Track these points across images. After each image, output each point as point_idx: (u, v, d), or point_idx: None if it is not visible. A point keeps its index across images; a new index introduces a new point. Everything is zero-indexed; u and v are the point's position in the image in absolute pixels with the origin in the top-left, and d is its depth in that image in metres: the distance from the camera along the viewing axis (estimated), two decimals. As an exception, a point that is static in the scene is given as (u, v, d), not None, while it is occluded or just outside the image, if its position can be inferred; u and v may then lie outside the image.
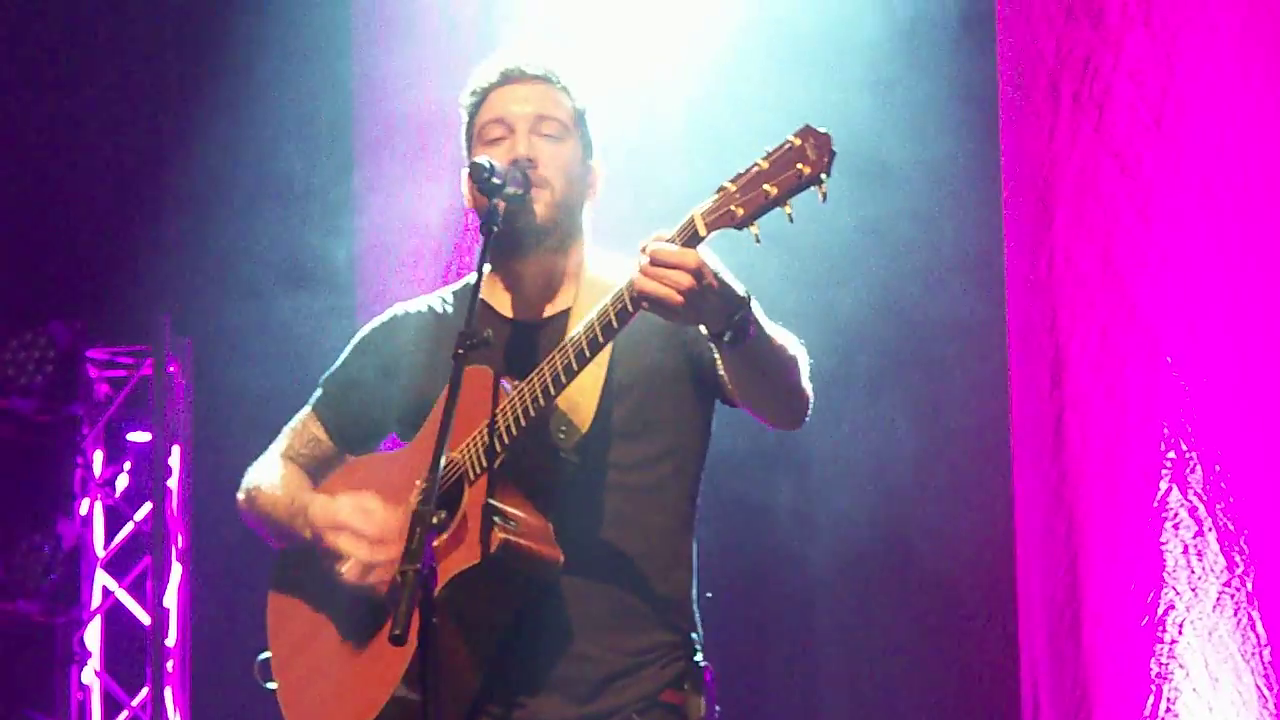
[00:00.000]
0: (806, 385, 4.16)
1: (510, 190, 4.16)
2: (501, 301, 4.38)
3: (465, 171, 4.37)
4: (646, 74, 7.01)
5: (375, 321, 4.53)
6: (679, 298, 3.80)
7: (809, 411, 4.21)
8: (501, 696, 4.14)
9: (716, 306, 3.86)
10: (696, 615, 4.31)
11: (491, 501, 3.99)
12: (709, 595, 4.39)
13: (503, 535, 3.96)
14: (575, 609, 4.15)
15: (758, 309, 3.95)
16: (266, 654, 4.43)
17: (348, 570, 4.16)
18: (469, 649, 4.04)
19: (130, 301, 7.92)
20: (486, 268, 4.11)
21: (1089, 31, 6.56)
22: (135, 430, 8.02)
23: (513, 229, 4.21)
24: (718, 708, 4.28)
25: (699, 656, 4.27)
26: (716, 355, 4.07)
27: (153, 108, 8.07)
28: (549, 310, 4.34)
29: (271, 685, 4.40)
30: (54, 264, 8.07)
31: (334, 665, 4.28)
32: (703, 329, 3.94)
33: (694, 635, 4.28)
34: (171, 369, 7.84)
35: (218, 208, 7.71)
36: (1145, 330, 6.43)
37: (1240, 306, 6.33)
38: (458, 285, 4.53)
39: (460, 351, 3.89)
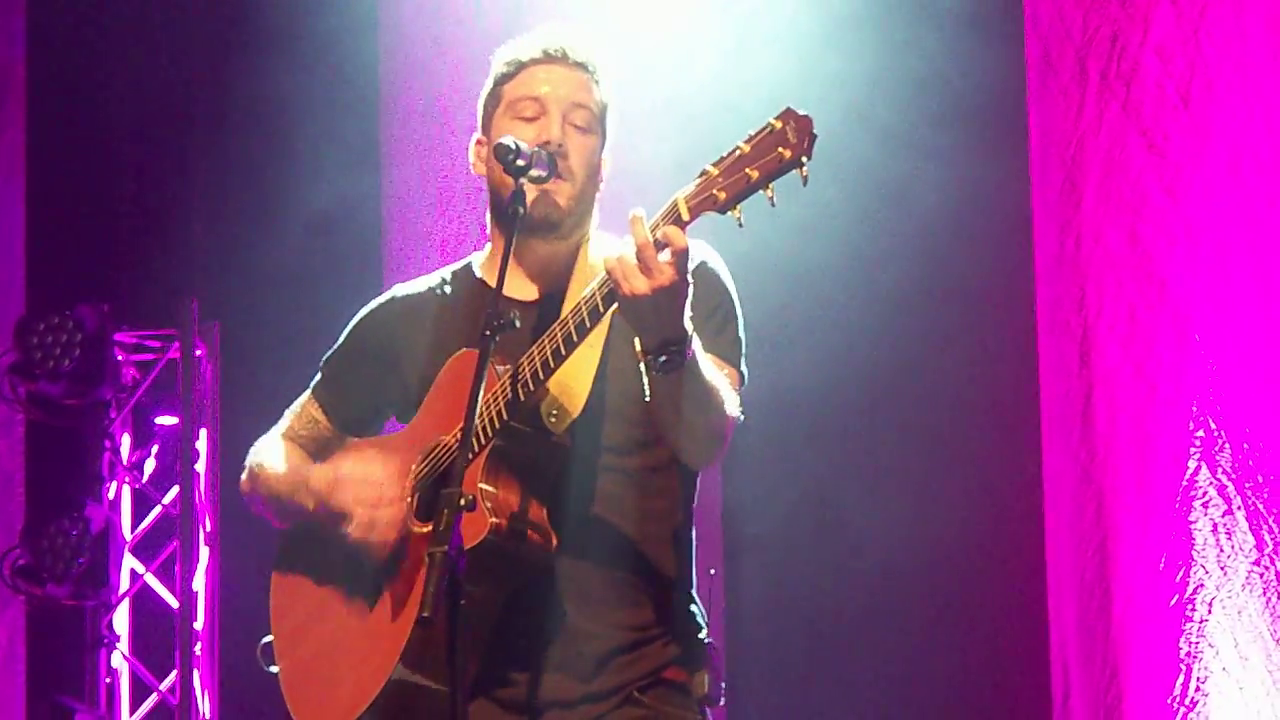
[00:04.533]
0: (725, 431, 4.08)
1: (535, 173, 4.11)
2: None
3: (477, 137, 4.33)
4: (653, 54, 7.01)
5: (373, 303, 4.48)
6: (653, 279, 3.75)
7: (719, 457, 4.17)
8: (503, 677, 4.12)
9: (669, 312, 3.80)
10: (696, 593, 4.28)
11: (483, 486, 3.96)
12: (711, 571, 4.36)
13: (493, 520, 3.92)
14: (574, 589, 4.11)
15: (697, 345, 3.89)
16: (269, 638, 4.41)
17: (353, 527, 4.13)
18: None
19: (157, 285, 7.91)
20: (491, 247, 4.09)
21: (1116, 9, 6.55)
22: (163, 414, 8.01)
23: (530, 215, 4.15)
24: (723, 684, 4.26)
25: (703, 633, 4.24)
26: (645, 382, 3.95)
27: (179, 92, 8.07)
28: (544, 291, 4.26)
29: (274, 669, 4.38)
30: (81, 247, 8.06)
31: (334, 648, 4.25)
32: (638, 344, 3.87)
33: (695, 611, 4.24)
34: (199, 352, 7.82)
35: (244, 191, 7.70)
36: (1174, 308, 6.42)
37: (1269, 284, 6.33)
38: (457, 266, 4.45)
39: (488, 333, 3.85)
